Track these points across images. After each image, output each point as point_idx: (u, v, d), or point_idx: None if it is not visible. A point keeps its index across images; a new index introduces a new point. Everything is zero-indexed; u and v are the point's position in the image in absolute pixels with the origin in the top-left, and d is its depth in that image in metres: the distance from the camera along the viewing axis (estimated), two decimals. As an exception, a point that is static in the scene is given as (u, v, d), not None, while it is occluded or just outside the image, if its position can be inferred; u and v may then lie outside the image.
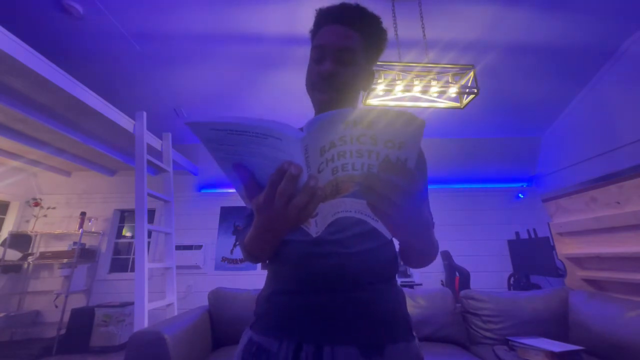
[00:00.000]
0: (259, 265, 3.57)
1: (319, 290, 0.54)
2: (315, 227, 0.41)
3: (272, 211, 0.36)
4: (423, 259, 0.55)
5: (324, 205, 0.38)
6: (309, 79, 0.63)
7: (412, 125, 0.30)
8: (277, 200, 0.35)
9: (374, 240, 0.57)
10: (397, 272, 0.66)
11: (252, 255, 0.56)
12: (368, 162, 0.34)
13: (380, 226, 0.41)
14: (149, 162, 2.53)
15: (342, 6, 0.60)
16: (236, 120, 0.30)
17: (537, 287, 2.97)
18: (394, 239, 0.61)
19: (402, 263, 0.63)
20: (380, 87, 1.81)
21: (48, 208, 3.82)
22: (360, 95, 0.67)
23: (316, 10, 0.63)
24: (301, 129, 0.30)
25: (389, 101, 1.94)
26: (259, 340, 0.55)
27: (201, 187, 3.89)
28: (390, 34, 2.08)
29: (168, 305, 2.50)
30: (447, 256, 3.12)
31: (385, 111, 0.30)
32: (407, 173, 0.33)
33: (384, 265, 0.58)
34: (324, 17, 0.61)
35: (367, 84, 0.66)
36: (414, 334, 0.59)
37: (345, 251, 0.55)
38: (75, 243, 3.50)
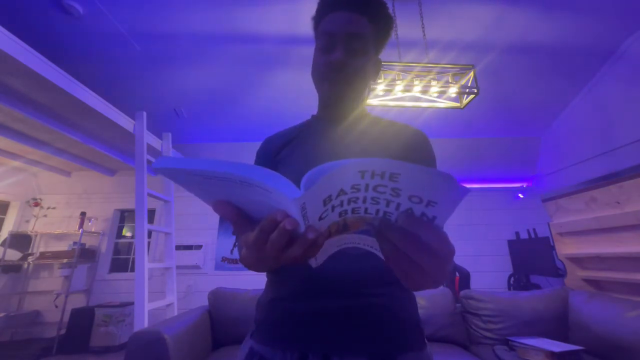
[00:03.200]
0: (259, 265, 3.56)
1: (324, 296, 0.50)
2: (314, 261, 0.37)
3: (263, 254, 0.32)
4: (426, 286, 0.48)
5: (328, 240, 0.34)
6: (315, 69, 0.59)
7: (451, 189, 0.24)
8: (269, 249, 0.31)
9: None
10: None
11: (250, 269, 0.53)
12: (385, 210, 0.28)
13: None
14: (149, 162, 2.53)
15: None
16: (215, 166, 0.26)
17: (537, 287, 2.97)
18: None
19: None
20: (380, 87, 1.81)
21: (48, 208, 3.82)
22: (369, 87, 0.65)
23: None
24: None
25: (388, 101, 1.94)
26: (261, 351, 0.51)
27: (201, 187, 3.88)
28: (390, 34, 2.09)
29: (168, 305, 2.50)
30: (447, 256, 3.11)
31: (415, 167, 0.24)
32: (434, 231, 0.27)
33: None
34: (330, 3, 0.57)
35: (375, 74, 0.64)
36: (426, 341, 0.55)
37: (351, 252, 0.51)
38: (75, 243, 3.50)
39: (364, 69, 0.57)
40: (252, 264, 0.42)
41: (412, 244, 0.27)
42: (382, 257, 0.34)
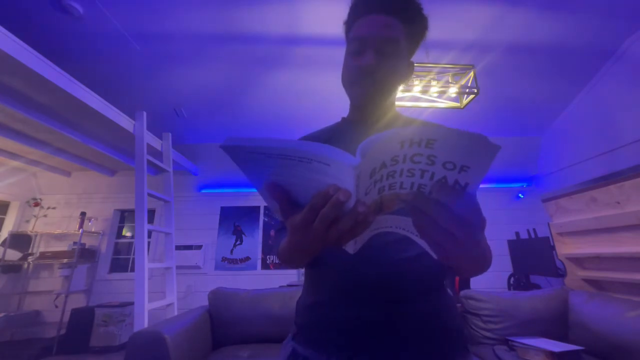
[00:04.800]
0: (259, 265, 3.58)
1: (366, 303, 0.49)
2: (353, 245, 0.38)
3: (310, 233, 0.33)
4: (469, 272, 0.45)
5: None
6: (346, 73, 0.58)
7: (483, 150, 0.26)
8: (318, 224, 0.31)
9: (419, 245, 0.53)
10: (446, 279, 0.59)
11: (287, 264, 0.51)
12: (419, 182, 0.30)
13: (424, 244, 0.37)
14: (149, 162, 2.53)
15: None
16: (278, 143, 0.28)
17: (537, 287, 2.97)
18: None
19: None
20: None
21: (48, 208, 3.82)
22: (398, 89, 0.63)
23: None
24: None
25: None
26: (305, 354, 0.52)
27: (201, 187, 3.89)
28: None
29: (168, 305, 2.50)
30: (447, 256, 3.11)
31: (450, 131, 0.25)
32: (466, 199, 0.29)
33: (435, 272, 0.52)
34: (362, 6, 0.56)
35: (407, 77, 0.62)
36: (469, 348, 0.55)
37: (392, 257, 0.50)
38: (75, 243, 3.50)
39: (394, 72, 0.56)
40: (292, 252, 0.41)
41: (445, 213, 0.28)
42: (415, 237, 0.36)
